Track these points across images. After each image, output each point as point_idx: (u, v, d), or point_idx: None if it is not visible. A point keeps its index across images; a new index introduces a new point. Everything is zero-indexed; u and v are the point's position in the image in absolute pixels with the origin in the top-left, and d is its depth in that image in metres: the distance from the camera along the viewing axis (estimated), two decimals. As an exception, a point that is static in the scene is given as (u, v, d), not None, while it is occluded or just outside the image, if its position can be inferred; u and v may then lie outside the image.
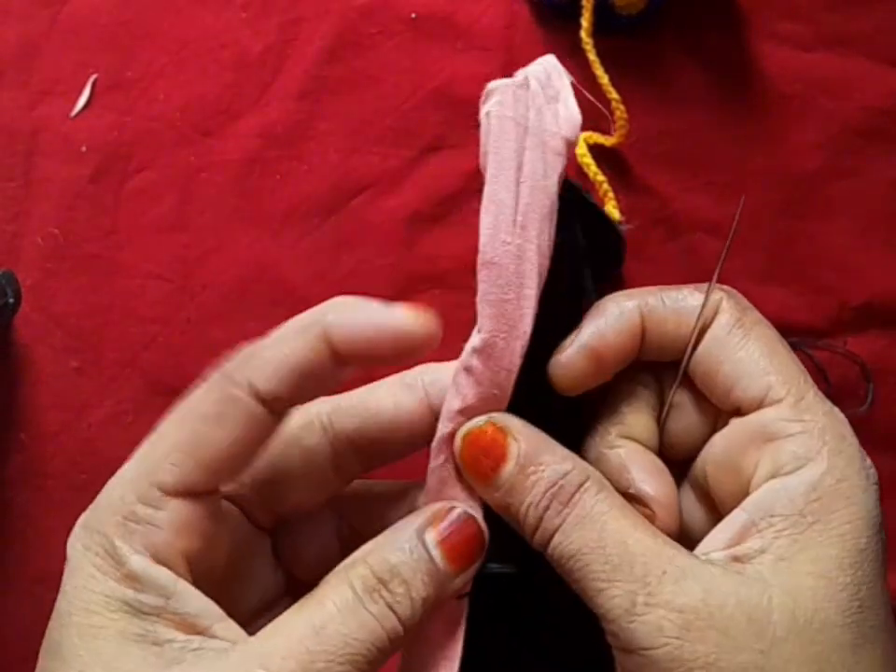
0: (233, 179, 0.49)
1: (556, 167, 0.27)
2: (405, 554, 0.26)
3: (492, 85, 0.27)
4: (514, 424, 0.27)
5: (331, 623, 0.24)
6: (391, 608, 0.25)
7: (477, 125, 0.49)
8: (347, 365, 0.27)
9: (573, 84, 0.29)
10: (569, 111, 0.28)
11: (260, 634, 0.25)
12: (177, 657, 0.24)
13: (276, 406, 0.26)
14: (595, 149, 0.48)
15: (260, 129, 0.49)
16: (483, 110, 0.28)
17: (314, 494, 0.31)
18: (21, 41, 0.49)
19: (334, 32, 0.49)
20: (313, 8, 0.50)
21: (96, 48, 0.49)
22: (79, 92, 0.49)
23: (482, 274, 0.27)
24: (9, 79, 0.49)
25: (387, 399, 0.30)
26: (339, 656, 0.24)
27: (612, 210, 0.48)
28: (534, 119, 0.27)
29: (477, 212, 0.52)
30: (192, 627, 0.25)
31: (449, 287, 0.49)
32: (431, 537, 0.26)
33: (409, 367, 0.31)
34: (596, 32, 0.47)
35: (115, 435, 0.48)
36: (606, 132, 0.49)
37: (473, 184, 0.49)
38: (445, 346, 0.50)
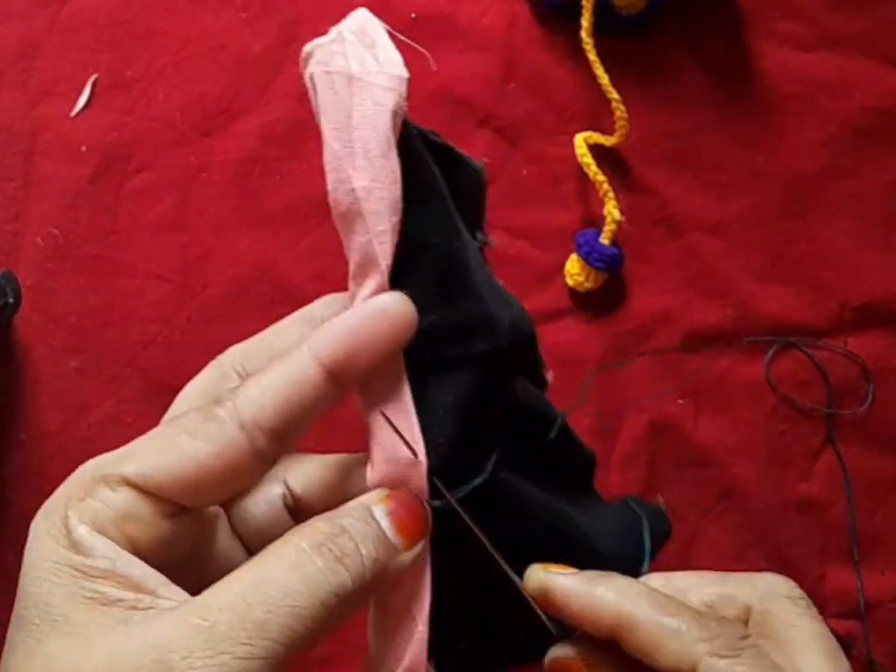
0: (233, 179, 0.49)
1: (386, 102, 0.27)
2: (355, 520, 0.26)
3: (308, 47, 0.28)
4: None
5: (272, 575, 0.24)
6: (339, 560, 0.25)
7: (477, 125, 0.50)
8: (339, 382, 0.27)
9: (388, 31, 0.29)
10: (388, 54, 0.28)
11: (204, 592, 0.25)
12: (125, 616, 0.24)
13: (266, 442, 0.26)
14: (595, 149, 0.48)
15: (260, 129, 0.49)
16: (307, 73, 0.28)
17: None
18: (21, 41, 0.49)
19: (334, 32, 0.50)
20: (313, 8, 0.50)
21: (96, 48, 0.49)
22: (79, 92, 0.49)
23: (340, 227, 0.27)
24: (9, 79, 0.49)
25: (293, 337, 0.30)
26: (278, 607, 0.24)
27: (612, 210, 0.48)
28: (356, 65, 0.27)
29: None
30: (139, 589, 0.25)
31: (449, 286, 0.49)
32: (380, 509, 0.26)
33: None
34: (596, 32, 0.47)
35: (115, 435, 0.48)
36: (606, 132, 0.49)
37: (473, 184, 0.49)
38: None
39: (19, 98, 0.49)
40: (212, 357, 0.48)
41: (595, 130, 0.49)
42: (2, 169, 0.49)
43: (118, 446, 0.48)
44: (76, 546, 0.25)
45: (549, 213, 0.50)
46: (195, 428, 0.26)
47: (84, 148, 0.49)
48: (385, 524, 0.26)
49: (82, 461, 0.51)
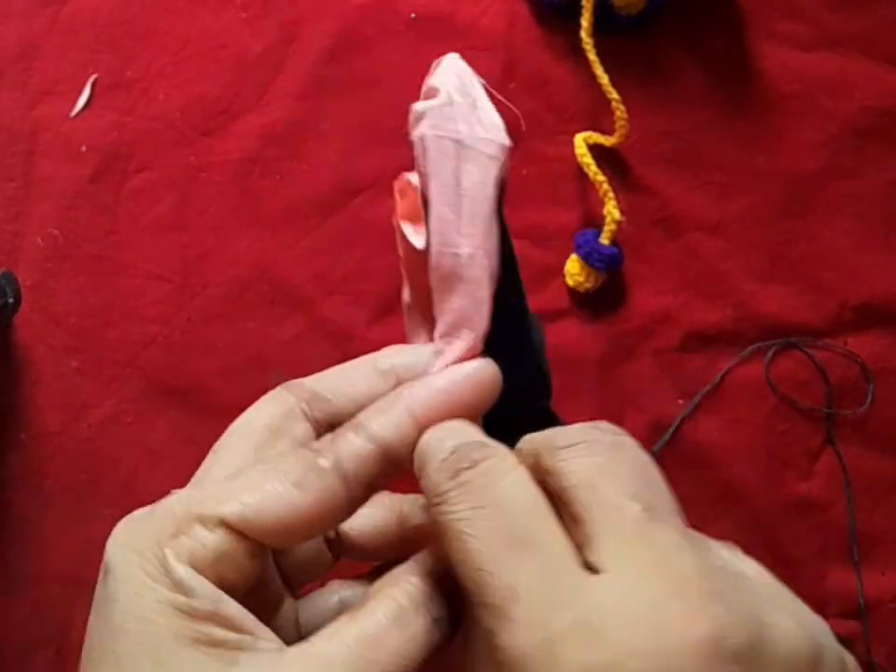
0: (233, 179, 0.49)
1: (492, 171, 0.28)
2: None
3: (419, 107, 0.28)
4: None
5: (381, 631, 0.25)
6: (436, 623, 0.26)
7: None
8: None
9: (485, 86, 0.29)
10: (490, 116, 0.29)
11: (314, 639, 0.25)
12: (234, 658, 0.25)
13: (363, 493, 0.27)
14: (595, 149, 0.48)
15: (260, 129, 0.49)
16: (416, 133, 0.28)
17: None
18: (21, 41, 0.49)
19: (334, 32, 0.50)
20: (313, 8, 0.50)
21: (96, 48, 0.49)
22: (79, 92, 0.49)
23: (437, 287, 0.28)
24: (9, 79, 0.49)
25: (362, 384, 0.30)
26: (391, 666, 0.25)
27: (612, 210, 0.48)
28: (465, 130, 0.28)
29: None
30: (240, 630, 0.25)
31: (449, 286, 0.49)
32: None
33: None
34: (596, 32, 0.47)
35: (115, 435, 0.48)
36: (606, 132, 0.49)
37: (473, 184, 0.49)
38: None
39: (19, 98, 0.49)
40: (212, 357, 0.48)
41: (595, 130, 0.49)
42: (2, 169, 0.49)
43: (118, 446, 0.48)
44: (178, 586, 0.25)
45: (549, 213, 0.50)
46: (297, 477, 0.26)
47: (84, 148, 0.49)
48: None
49: (82, 461, 0.51)
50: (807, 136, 0.50)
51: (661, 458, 0.50)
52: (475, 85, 0.29)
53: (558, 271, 0.49)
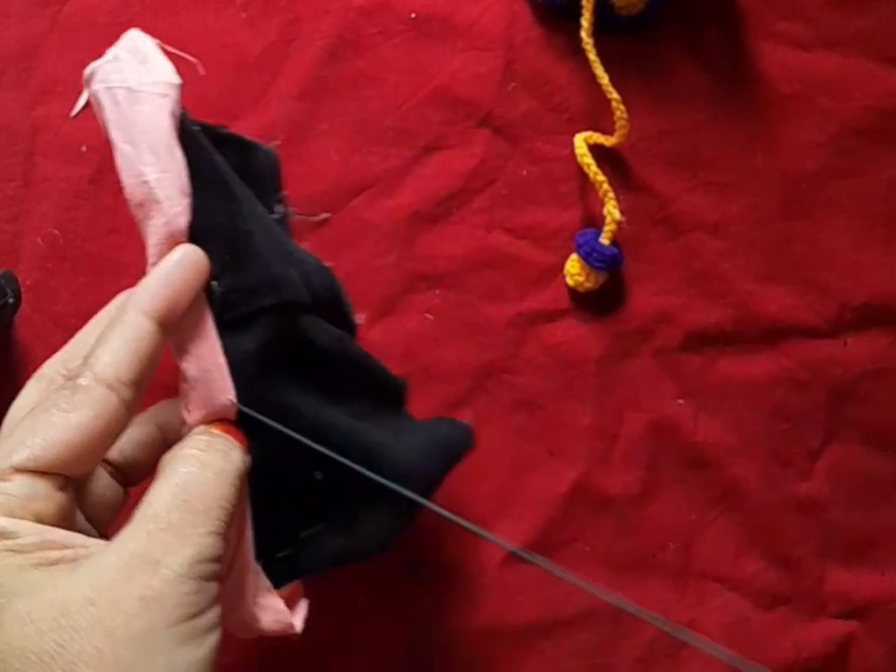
0: (233, 179, 0.49)
1: (164, 107, 0.32)
2: (211, 436, 0.33)
3: (89, 69, 0.33)
4: None
5: (191, 476, 0.30)
6: (226, 456, 0.32)
7: (476, 125, 0.50)
8: (167, 328, 0.32)
9: (159, 45, 0.34)
10: (160, 65, 0.33)
11: (137, 514, 0.29)
12: (77, 564, 0.28)
13: (130, 394, 0.31)
14: (595, 149, 0.48)
15: (260, 129, 0.49)
16: (89, 91, 0.33)
17: None
18: (21, 41, 0.49)
19: (334, 32, 0.49)
20: (313, 8, 0.50)
21: (96, 48, 0.49)
22: (79, 92, 0.49)
23: (138, 216, 0.32)
24: (9, 79, 0.49)
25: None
26: (211, 495, 0.30)
27: (612, 210, 0.48)
28: (133, 79, 0.32)
29: (478, 211, 0.52)
30: (75, 545, 0.28)
31: (449, 287, 0.49)
32: (214, 429, 0.33)
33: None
34: (596, 32, 0.47)
35: (115, 435, 0.48)
36: (606, 132, 0.49)
37: (473, 184, 0.49)
38: (447, 346, 0.50)
39: (19, 98, 0.49)
40: (212, 357, 0.48)
41: (595, 130, 0.49)
42: (2, 169, 0.49)
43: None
44: (2, 535, 0.28)
45: (549, 213, 0.50)
46: (67, 403, 0.29)
47: (84, 148, 0.49)
48: (224, 436, 0.33)
49: (82, 461, 0.51)
50: (807, 136, 0.50)
51: (661, 458, 0.50)
52: (149, 45, 0.34)
53: (558, 271, 0.50)
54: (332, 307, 0.39)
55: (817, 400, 0.50)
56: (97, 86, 0.32)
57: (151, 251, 0.32)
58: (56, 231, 0.48)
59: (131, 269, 0.49)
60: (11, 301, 0.46)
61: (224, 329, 0.33)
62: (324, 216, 0.40)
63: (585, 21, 0.47)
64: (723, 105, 0.50)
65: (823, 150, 0.50)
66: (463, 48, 0.50)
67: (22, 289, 0.47)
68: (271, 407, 0.34)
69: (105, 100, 0.32)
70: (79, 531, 0.30)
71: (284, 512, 0.36)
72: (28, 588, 0.27)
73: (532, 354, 0.49)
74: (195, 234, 0.32)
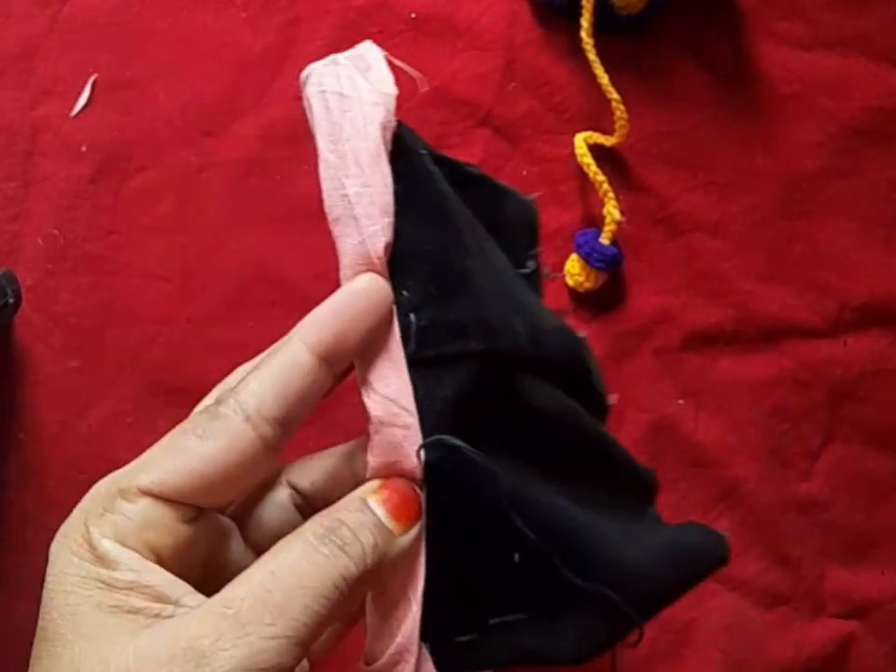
0: (233, 179, 0.49)
1: (375, 116, 0.29)
2: (350, 513, 0.28)
3: (305, 71, 0.30)
4: None
5: (286, 564, 0.26)
6: (341, 549, 0.27)
7: (476, 125, 0.50)
8: (331, 364, 0.28)
9: (386, 57, 0.31)
10: (381, 73, 0.30)
11: (223, 589, 0.26)
12: (150, 622, 0.25)
13: (271, 431, 0.27)
14: (595, 149, 0.48)
15: (260, 129, 0.49)
16: (304, 94, 0.30)
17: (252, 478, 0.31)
18: (21, 41, 0.49)
19: (334, 32, 0.49)
20: (313, 8, 0.50)
21: (96, 48, 0.49)
22: (79, 92, 0.49)
23: (334, 232, 0.29)
24: (9, 79, 0.49)
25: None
26: (295, 590, 0.25)
27: (612, 210, 0.48)
28: (347, 85, 0.29)
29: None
30: (163, 599, 0.26)
31: (449, 286, 0.49)
32: (374, 499, 0.28)
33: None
34: (596, 32, 0.47)
35: (115, 435, 0.48)
36: (606, 132, 0.49)
37: (473, 184, 0.49)
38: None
39: (19, 98, 0.49)
40: (212, 357, 0.49)
41: (595, 130, 0.49)
42: (2, 169, 0.49)
43: (118, 446, 0.48)
44: (101, 560, 0.26)
45: (549, 213, 0.50)
46: (203, 429, 0.27)
47: (84, 148, 0.49)
48: (379, 512, 0.28)
49: (82, 461, 0.51)
50: (807, 136, 0.50)
51: (661, 458, 0.50)
52: (377, 56, 0.31)
53: (558, 271, 0.49)
54: (573, 377, 0.33)
55: (817, 400, 0.50)
56: (310, 89, 0.30)
57: (343, 272, 0.29)
58: (56, 231, 0.48)
59: (131, 269, 0.49)
60: (11, 301, 0.46)
61: (418, 369, 0.29)
62: (557, 274, 0.35)
63: (585, 21, 0.47)
64: (723, 105, 0.50)
65: (823, 150, 0.50)
66: (463, 48, 0.50)
67: (22, 289, 0.47)
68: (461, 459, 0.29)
69: (316, 104, 0.29)
70: (232, 561, 0.29)
71: (471, 591, 0.31)
72: (93, 632, 0.25)
73: (532, 354, 0.49)
74: (395, 259, 0.29)
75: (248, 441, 0.27)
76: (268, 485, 0.33)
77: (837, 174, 0.50)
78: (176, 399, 0.48)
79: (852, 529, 0.50)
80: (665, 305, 0.50)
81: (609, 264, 0.48)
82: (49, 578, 0.27)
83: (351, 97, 0.29)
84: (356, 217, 0.29)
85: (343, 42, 0.50)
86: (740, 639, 0.50)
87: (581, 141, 0.48)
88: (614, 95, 0.47)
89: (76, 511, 0.28)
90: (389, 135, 0.30)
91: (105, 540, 0.26)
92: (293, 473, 0.33)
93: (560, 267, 0.50)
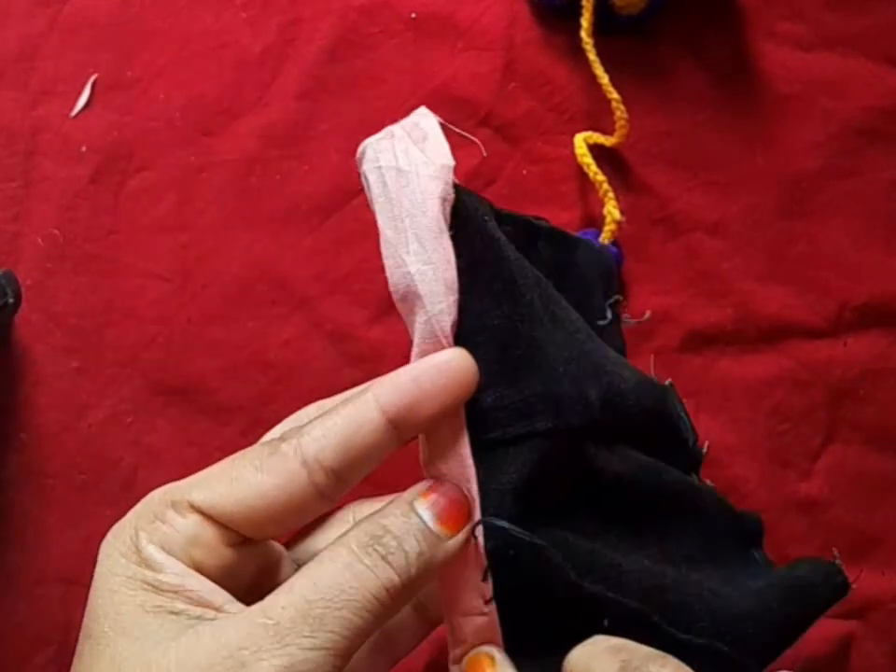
0: (233, 179, 0.49)
1: (433, 190, 0.29)
2: (396, 518, 0.27)
3: (361, 146, 0.30)
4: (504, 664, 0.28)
5: (327, 575, 0.26)
6: (384, 559, 0.26)
7: (476, 125, 0.50)
8: (400, 429, 0.28)
9: (441, 123, 0.30)
10: (437, 144, 0.30)
11: (266, 598, 0.26)
12: (192, 624, 0.26)
13: (325, 480, 0.28)
14: (595, 149, 0.48)
15: (260, 129, 0.49)
16: (361, 171, 0.30)
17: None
18: (21, 41, 0.49)
19: (334, 32, 0.49)
20: (313, 8, 0.50)
21: (96, 48, 0.49)
22: (79, 92, 0.49)
23: (401, 313, 0.29)
24: (9, 79, 0.49)
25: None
26: (336, 602, 0.25)
27: (612, 210, 0.48)
28: (403, 160, 0.29)
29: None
30: (206, 604, 0.27)
31: (449, 286, 0.49)
32: (420, 502, 0.28)
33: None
34: (596, 32, 0.47)
35: (115, 435, 0.48)
36: (606, 132, 0.49)
37: (473, 184, 0.49)
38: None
39: (19, 98, 0.49)
40: (212, 357, 0.49)
41: (595, 130, 0.49)
42: (2, 169, 0.49)
43: (118, 446, 0.48)
44: (146, 563, 0.27)
45: (549, 213, 0.49)
46: (260, 462, 0.28)
47: (84, 148, 0.49)
48: (426, 516, 0.28)
49: (82, 461, 0.51)
50: (807, 136, 0.50)
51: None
52: (432, 124, 0.30)
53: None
54: (659, 428, 0.33)
55: (817, 400, 0.50)
56: (367, 165, 0.29)
57: (414, 350, 0.29)
58: (56, 231, 0.48)
59: (131, 269, 0.49)
60: (11, 301, 0.46)
61: (483, 452, 0.29)
62: (646, 317, 0.34)
63: (585, 21, 0.47)
64: (723, 105, 0.50)
65: (823, 150, 0.50)
66: (463, 48, 0.50)
67: (22, 289, 0.47)
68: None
69: (373, 180, 0.29)
70: (281, 583, 0.29)
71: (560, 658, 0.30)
72: (135, 631, 0.26)
73: (532, 354, 0.49)
74: (461, 335, 0.29)
75: (300, 484, 0.27)
76: (328, 517, 0.33)
77: (837, 174, 0.50)
78: (176, 399, 0.48)
79: (852, 529, 0.50)
80: (664, 305, 0.50)
81: (609, 264, 0.48)
82: (96, 577, 0.27)
83: (408, 171, 0.29)
84: (420, 296, 0.28)
85: (343, 42, 0.50)
86: (740, 639, 0.50)
87: (580, 141, 0.48)
88: (614, 95, 0.47)
89: (129, 515, 0.28)
90: (449, 208, 0.29)
91: (151, 546, 0.27)
92: (359, 512, 0.33)
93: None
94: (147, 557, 0.27)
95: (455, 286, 0.28)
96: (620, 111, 0.47)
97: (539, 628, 0.29)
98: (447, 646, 0.30)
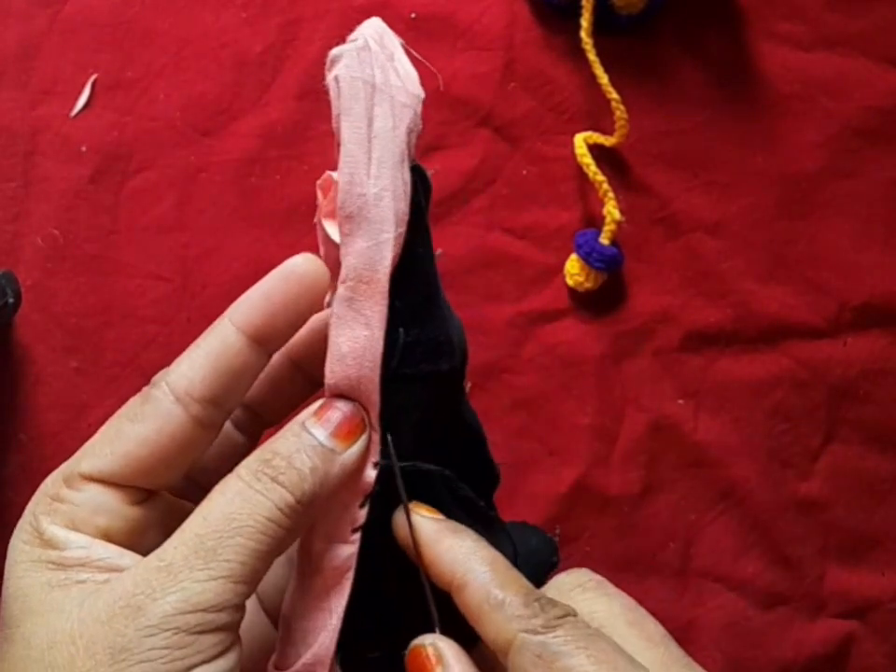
0: (233, 179, 0.49)
1: (404, 118, 0.28)
2: (286, 440, 0.27)
3: (336, 51, 0.29)
4: (449, 654, 0.27)
5: (217, 507, 0.26)
6: (275, 479, 0.26)
7: (476, 125, 0.50)
8: (263, 344, 0.29)
9: (403, 46, 0.30)
10: (405, 68, 0.29)
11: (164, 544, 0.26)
12: (97, 588, 0.26)
13: (203, 410, 0.28)
14: (595, 149, 0.48)
15: (260, 129, 0.49)
16: (331, 75, 0.29)
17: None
18: (21, 41, 0.49)
19: (334, 32, 0.49)
20: (313, 8, 0.50)
21: (96, 48, 0.49)
22: (79, 92, 0.49)
23: (343, 228, 0.28)
24: (9, 79, 0.49)
25: None
26: (226, 531, 0.25)
27: (612, 210, 0.48)
28: (380, 76, 0.28)
29: (478, 211, 0.52)
30: (116, 568, 0.27)
31: (449, 286, 0.49)
32: (312, 422, 0.28)
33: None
34: (596, 32, 0.47)
35: (115, 435, 0.48)
36: (606, 132, 0.49)
37: (473, 184, 0.49)
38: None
39: (19, 98, 0.49)
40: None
41: (595, 130, 0.49)
42: (2, 169, 0.49)
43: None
44: (50, 544, 0.27)
45: (549, 213, 0.50)
46: (135, 413, 0.28)
47: (84, 148, 0.49)
48: (318, 432, 0.27)
49: (82, 461, 0.51)
50: (807, 136, 0.50)
51: (661, 458, 0.50)
52: (394, 42, 0.30)
53: (558, 271, 0.49)
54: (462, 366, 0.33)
55: (817, 400, 0.50)
56: (342, 71, 0.28)
57: (343, 272, 0.28)
58: (56, 231, 0.48)
59: (131, 269, 0.49)
60: (11, 301, 0.46)
61: (392, 384, 0.28)
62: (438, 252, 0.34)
63: (585, 21, 0.47)
64: (723, 105, 0.50)
65: (823, 150, 0.50)
66: (463, 48, 0.50)
67: (22, 289, 0.47)
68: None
69: (345, 89, 0.28)
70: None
71: (388, 609, 0.30)
72: (42, 608, 0.26)
73: (532, 354, 0.49)
74: (398, 271, 0.28)
75: (179, 421, 0.28)
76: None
77: (837, 174, 0.50)
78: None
79: (852, 529, 0.50)
80: (664, 305, 0.50)
81: (608, 264, 0.48)
82: (5, 573, 0.27)
83: (383, 91, 0.28)
84: (369, 220, 0.28)
85: (342, 42, 0.50)
86: (740, 639, 0.50)
87: (580, 141, 0.48)
88: (614, 95, 0.47)
89: (27, 507, 0.29)
90: (414, 140, 0.29)
91: (53, 527, 0.27)
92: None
93: (560, 267, 0.50)
94: (51, 538, 0.27)
95: (406, 219, 0.28)
96: (620, 111, 0.47)
97: (383, 571, 0.29)
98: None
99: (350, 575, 0.28)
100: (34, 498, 0.29)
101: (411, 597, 0.29)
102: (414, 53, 0.30)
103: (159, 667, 0.24)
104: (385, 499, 0.29)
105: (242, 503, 0.26)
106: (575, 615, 0.26)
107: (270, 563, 0.26)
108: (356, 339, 0.28)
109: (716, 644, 0.50)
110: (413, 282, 0.29)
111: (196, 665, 0.24)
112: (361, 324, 0.28)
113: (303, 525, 0.27)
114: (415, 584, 0.29)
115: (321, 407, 0.28)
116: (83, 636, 0.25)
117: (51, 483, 0.28)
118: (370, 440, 0.28)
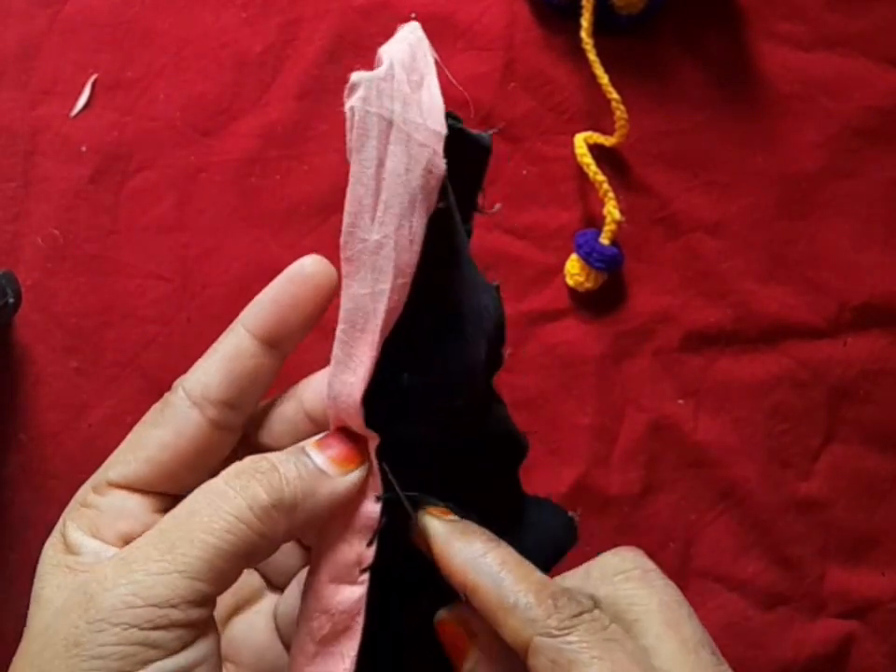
0: (233, 179, 0.49)
1: (420, 160, 0.26)
2: (282, 453, 0.28)
3: (355, 77, 0.26)
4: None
5: (185, 504, 0.26)
6: (253, 477, 0.26)
7: (476, 125, 0.50)
8: (276, 347, 0.29)
9: (437, 61, 0.28)
10: (433, 98, 0.27)
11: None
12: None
13: (219, 413, 0.28)
14: (595, 149, 0.48)
15: (260, 129, 0.49)
16: (347, 104, 0.26)
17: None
18: (21, 41, 0.49)
19: (334, 32, 0.49)
20: (313, 8, 0.50)
21: (96, 48, 0.49)
22: (79, 92, 0.49)
23: (343, 268, 0.27)
24: (9, 79, 0.49)
25: None
26: (187, 525, 0.25)
27: (612, 210, 0.48)
28: (399, 110, 0.26)
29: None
30: None
31: (449, 286, 0.49)
32: (311, 447, 0.28)
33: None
34: (596, 32, 0.47)
35: (115, 435, 0.47)
36: (606, 132, 0.49)
37: (473, 184, 0.49)
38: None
39: (19, 98, 0.49)
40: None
41: (595, 130, 0.49)
42: (2, 169, 0.49)
43: (117, 446, 0.47)
44: (70, 549, 0.27)
45: (549, 213, 0.50)
46: (155, 419, 0.29)
47: (84, 148, 0.49)
48: (313, 453, 0.27)
49: (82, 461, 0.51)
50: (807, 136, 0.50)
51: (661, 458, 0.50)
52: (428, 61, 0.28)
53: (558, 271, 0.49)
54: (498, 344, 0.31)
55: (817, 400, 0.50)
56: (357, 103, 0.26)
57: (340, 314, 0.27)
58: (56, 231, 0.48)
59: (131, 269, 0.49)
60: (11, 301, 0.46)
61: (398, 425, 0.28)
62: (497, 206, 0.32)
63: (585, 21, 0.47)
64: (723, 105, 0.50)
65: (823, 150, 0.50)
66: (463, 48, 0.50)
67: (22, 289, 0.47)
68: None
69: (358, 124, 0.26)
70: None
71: (406, 646, 0.30)
72: (47, 605, 0.27)
73: (532, 354, 0.49)
74: (404, 315, 0.27)
75: (197, 424, 0.28)
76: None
77: (837, 174, 0.50)
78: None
79: (852, 529, 0.50)
80: (664, 305, 0.50)
81: (608, 264, 0.48)
82: (37, 573, 0.28)
83: (400, 129, 0.26)
84: (368, 268, 0.26)
85: (343, 42, 0.50)
86: (740, 639, 0.50)
87: (580, 141, 0.48)
88: (614, 95, 0.47)
89: (62, 515, 0.29)
90: (434, 182, 0.26)
91: (76, 532, 0.28)
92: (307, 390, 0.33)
93: (560, 267, 0.50)
94: (72, 543, 0.27)
95: (412, 269, 0.26)
96: (620, 111, 0.47)
97: (394, 617, 0.29)
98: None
99: (360, 619, 0.28)
100: (68, 506, 0.29)
101: (425, 637, 0.29)
102: (447, 73, 0.28)
103: (111, 664, 0.24)
104: (392, 535, 0.28)
105: (210, 499, 0.26)
106: (591, 610, 0.26)
107: (238, 566, 0.26)
108: (344, 383, 0.28)
109: (716, 644, 0.50)
110: (425, 329, 0.27)
111: (152, 661, 0.24)
112: (350, 369, 0.27)
113: (281, 535, 0.26)
114: (429, 623, 0.29)
115: (323, 437, 0.28)
116: (52, 626, 0.26)
117: (83, 489, 0.29)
118: (368, 472, 0.28)
